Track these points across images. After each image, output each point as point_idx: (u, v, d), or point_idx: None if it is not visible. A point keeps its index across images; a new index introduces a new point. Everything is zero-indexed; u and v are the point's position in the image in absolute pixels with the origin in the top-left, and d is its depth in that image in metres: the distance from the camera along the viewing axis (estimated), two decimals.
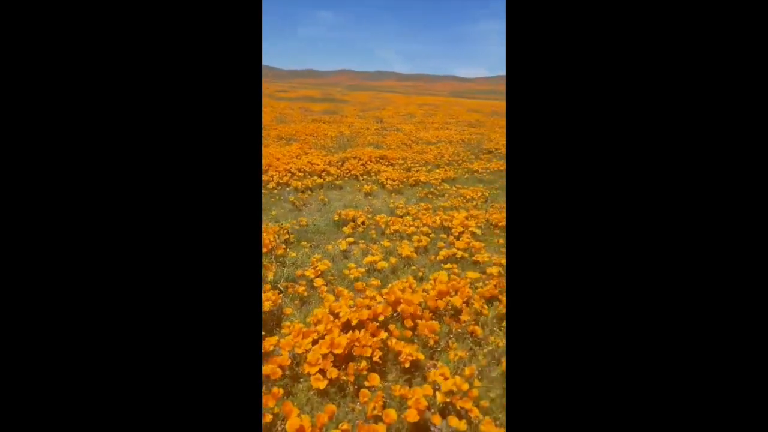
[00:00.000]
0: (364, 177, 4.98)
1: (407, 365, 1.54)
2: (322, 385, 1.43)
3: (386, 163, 5.76)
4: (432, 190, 4.55)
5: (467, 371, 1.48)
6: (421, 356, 1.58)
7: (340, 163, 5.44)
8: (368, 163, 5.54)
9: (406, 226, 3.17)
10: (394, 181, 4.71)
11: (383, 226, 3.20)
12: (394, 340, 1.64)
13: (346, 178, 4.93)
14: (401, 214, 3.57)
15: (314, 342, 1.62)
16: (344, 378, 1.47)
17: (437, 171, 5.49)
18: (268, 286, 2.05)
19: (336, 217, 3.36)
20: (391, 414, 1.31)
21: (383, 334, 1.64)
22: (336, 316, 1.76)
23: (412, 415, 1.29)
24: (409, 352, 1.55)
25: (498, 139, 8.79)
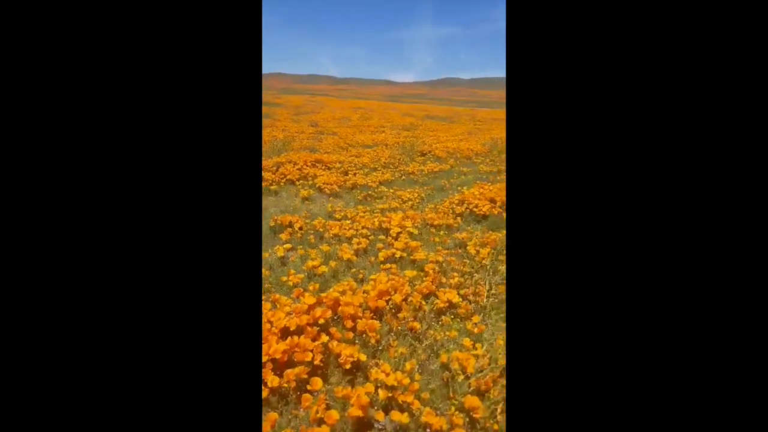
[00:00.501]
0: (301, 181, 4.91)
1: (348, 366, 1.56)
2: (263, 393, 1.40)
3: (323, 167, 5.73)
4: (370, 192, 4.60)
5: (407, 366, 1.53)
6: (363, 356, 1.60)
7: (275, 168, 5.31)
8: (304, 167, 5.47)
9: (344, 229, 3.18)
10: (331, 184, 4.69)
11: (322, 230, 3.18)
12: (335, 343, 1.64)
13: (282, 183, 4.83)
14: (339, 217, 3.58)
15: None
16: (285, 385, 1.45)
17: (374, 174, 5.57)
18: None
19: (272, 223, 3.28)
20: (333, 415, 1.31)
21: (324, 338, 1.64)
22: (271, 323, 1.73)
23: (354, 411, 1.31)
24: (349, 353, 1.57)
25: (431, 142, 9.10)
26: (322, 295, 1.97)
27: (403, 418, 1.32)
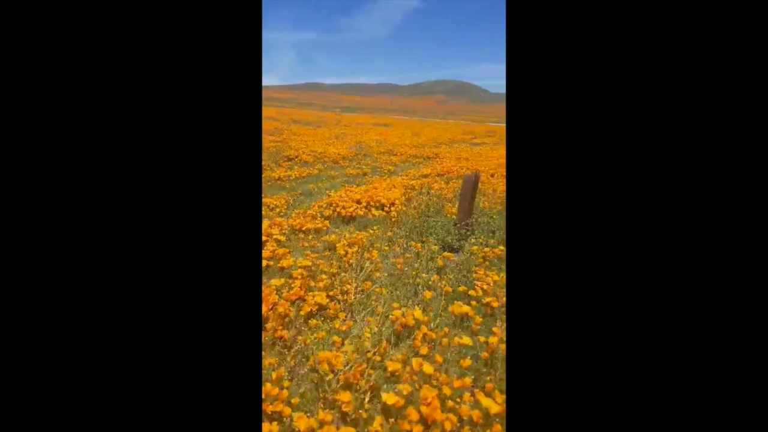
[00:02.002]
0: None
1: None
2: None
3: None
4: None
5: (274, 375, 1.50)
6: None
7: None
8: None
9: None
10: None
11: None
12: None
13: None
14: None
15: None
16: None
17: None
18: None
19: None
20: None
21: None
22: None
23: None
24: None
25: (298, 147, 9.01)
26: None
27: (273, 427, 1.30)
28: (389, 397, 1.37)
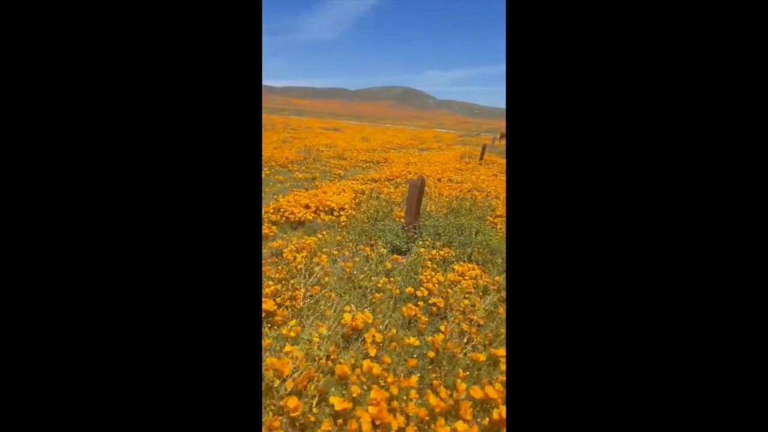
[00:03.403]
0: None
1: None
2: None
3: None
4: None
5: None
6: None
7: None
8: None
9: None
10: None
11: None
12: None
13: None
14: None
15: None
16: None
17: None
18: None
19: None
20: None
21: None
22: None
23: None
24: None
25: None
26: None
27: None
28: (337, 401, 1.38)
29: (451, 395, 1.54)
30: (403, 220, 3.80)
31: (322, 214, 4.07)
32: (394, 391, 1.50)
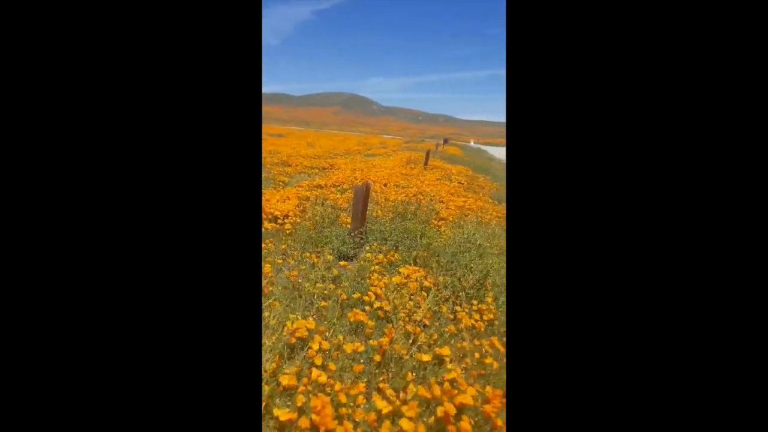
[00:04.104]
0: None
1: None
2: None
3: None
4: None
5: None
6: None
7: None
8: None
9: None
10: None
11: None
12: None
13: None
14: None
15: None
16: None
17: None
18: None
19: None
20: None
21: None
22: None
23: None
24: None
25: None
26: None
27: None
28: (282, 412, 1.35)
29: (398, 397, 1.56)
30: (349, 226, 3.80)
31: (266, 223, 3.96)
32: (342, 398, 1.49)
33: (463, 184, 8.62)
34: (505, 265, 3.15)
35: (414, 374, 1.71)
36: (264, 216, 4.10)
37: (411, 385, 1.56)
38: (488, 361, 1.86)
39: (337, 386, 1.55)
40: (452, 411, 1.41)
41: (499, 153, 34.65)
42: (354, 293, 2.44)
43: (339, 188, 6.62)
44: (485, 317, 2.34)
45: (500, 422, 1.46)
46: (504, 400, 1.60)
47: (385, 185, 7.12)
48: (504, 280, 2.91)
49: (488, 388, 1.61)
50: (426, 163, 11.30)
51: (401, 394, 1.55)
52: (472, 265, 2.95)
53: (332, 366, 1.66)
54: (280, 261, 2.97)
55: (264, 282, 2.52)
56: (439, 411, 1.43)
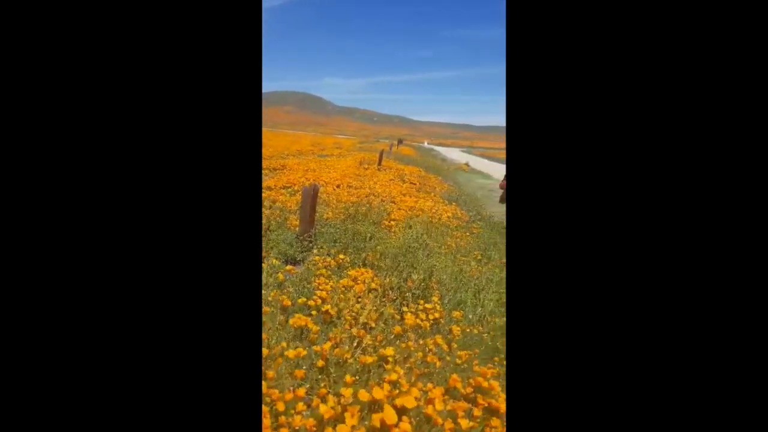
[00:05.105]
0: None
1: None
2: None
3: None
4: None
5: None
6: None
7: None
8: None
9: None
10: None
11: None
12: None
13: None
14: None
15: None
16: None
17: None
18: None
19: None
20: None
21: None
22: None
23: None
24: None
25: None
26: None
27: None
28: None
29: (338, 402, 1.55)
30: (298, 229, 3.73)
31: None
32: (280, 407, 1.46)
33: (415, 184, 8.76)
34: (451, 264, 3.24)
35: (357, 377, 1.71)
36: None
37: (349, 389, 1.55)
38: (430, 359, 1.89)
39: (276, 394, 1.52)
40: (392, 419, 1.41)
41: (451, 154, 35.52)
42: (299, 298, 2.40)
43: (289, 190, 6.49)
44: (431, 316, 2.39)
45: (440, 420, 1.50)
46: (445, 398, 1.64)
47: (337, 186, 7.08)
48: (451, 278, 2.99)
49: (429, 386, 1.64)
50: (379, 164, 11.36)
51: (341, 399, 1.55)
52: (419, 265, 3.00)
53: (270, 374, 1.62)
54: None
55: None
56: (375, 418, 1.44)
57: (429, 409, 1.52)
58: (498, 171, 16.58)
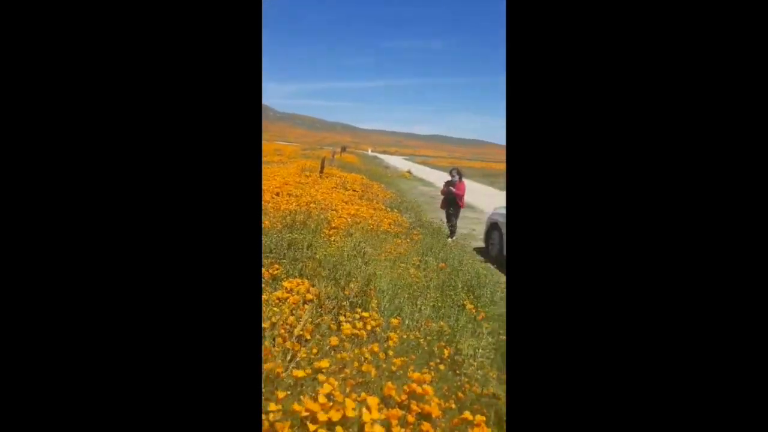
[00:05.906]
0: None
1: None
2: None
3: None
4: None
5: None
6: None
7: None
8: None
9: None
10: None
11: None
12: None
13: None
14: None
15: None
16: None
17: None
18: None
19: None
20: None
21: None
22: None
23: None
24: None
25: None
26: None
27: None
28: None
29: (267, 418, 1.48)
30: None
31: None
32: None
33: (357, 192, 8.76)
34: (390, 270, 3.26)
35: (289, 392, 1.65)
36: None
37: (275, 405, 1.50)
38: (366, 368, 1.88)
39: None
40: None
41: (394, 162, 36.08)
42: None
43: None
44: (368, 325, 2.38)
45: (378, 428, 1.48)
46: (380, 406, 1.63)
47: (277, 194, 6.88)
48: (389, 285, 3.01)
49: (363, 395, 1.63)
50: (321, 172, 11.25)
51: (270, 415, 1.49)
52: (357, 273, 2.99)
53: None
54: None
55: None
56: (312, 427, 1.40)
57: (366, 416, 1.51)
58: (440, 178, 17.11)
